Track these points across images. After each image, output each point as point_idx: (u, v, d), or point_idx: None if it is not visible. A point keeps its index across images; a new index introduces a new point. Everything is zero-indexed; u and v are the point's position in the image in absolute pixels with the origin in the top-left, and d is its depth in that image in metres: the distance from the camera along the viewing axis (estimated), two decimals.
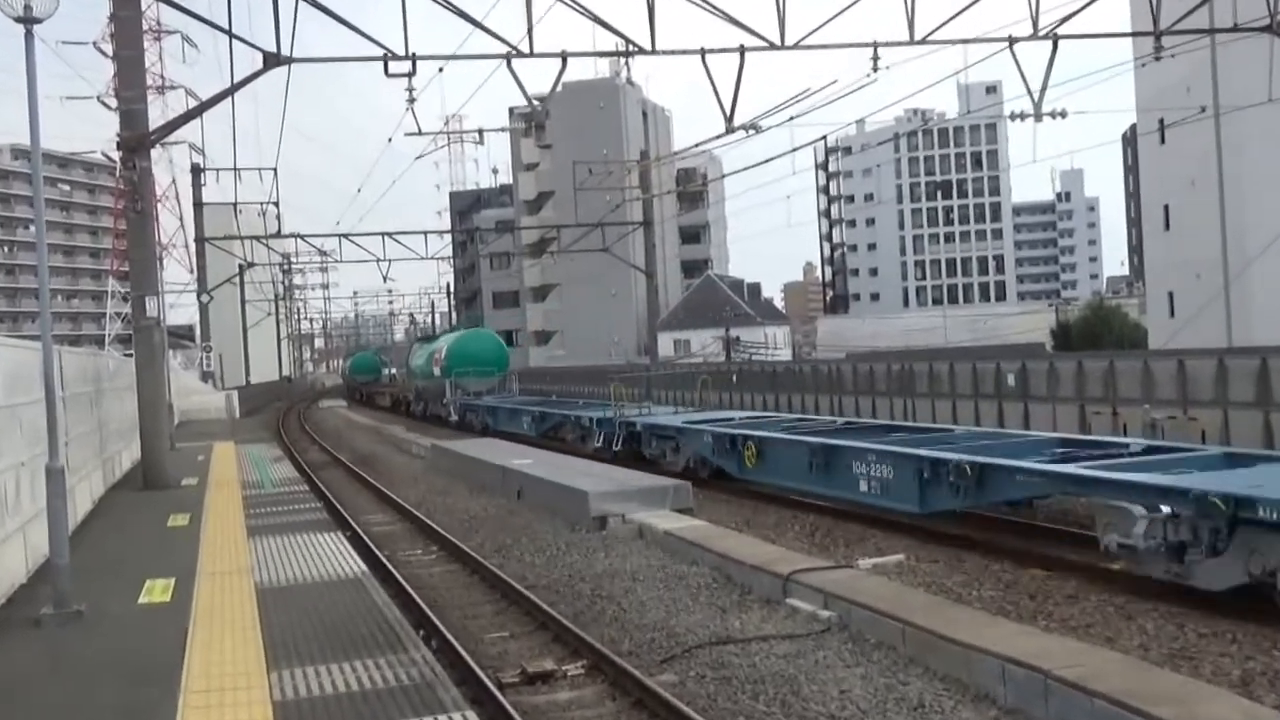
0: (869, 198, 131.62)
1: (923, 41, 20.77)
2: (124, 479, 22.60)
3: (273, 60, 19.19)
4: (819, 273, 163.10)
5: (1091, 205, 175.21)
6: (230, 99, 21.03)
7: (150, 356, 20.45)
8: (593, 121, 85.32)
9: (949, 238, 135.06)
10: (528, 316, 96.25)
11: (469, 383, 46.61)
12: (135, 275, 20.94)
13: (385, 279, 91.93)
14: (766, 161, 27.78)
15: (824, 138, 36.51)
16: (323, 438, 44.37)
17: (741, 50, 20.77)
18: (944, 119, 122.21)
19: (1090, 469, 13.13)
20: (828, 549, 15.40)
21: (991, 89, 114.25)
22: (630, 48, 20.83)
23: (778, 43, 20.50)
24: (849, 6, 20.59)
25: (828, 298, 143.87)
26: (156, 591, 11.16)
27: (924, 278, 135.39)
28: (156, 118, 35.42)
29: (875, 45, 20.80)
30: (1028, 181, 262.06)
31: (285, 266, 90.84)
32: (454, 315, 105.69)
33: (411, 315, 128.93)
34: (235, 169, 44.35)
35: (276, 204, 45.05)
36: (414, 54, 19.73)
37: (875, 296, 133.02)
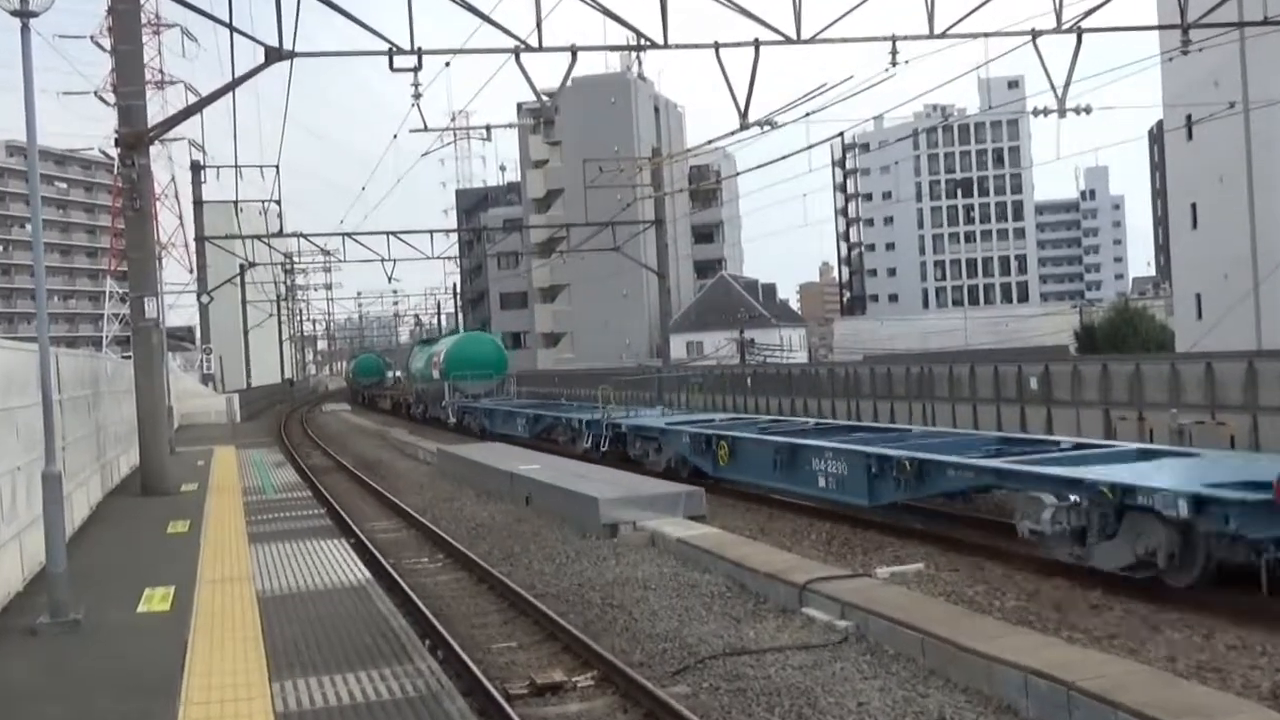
0: (887, 196, 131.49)
1: (943, 35, 20.74)
2: (122, 484, 22.67)
3: (274, 54, 19.25)
4: (836, 273, 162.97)
5: (1116, 204, 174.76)
6: (231, 94, 21.14)
7: (149, 359, 20.51)
8: (603, 117, 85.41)
9: (969, 237, 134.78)
10: (536, 318, 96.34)
11: (467, 385, 47.89)
12: (134, 275, 21.00)
13: (390, 279, 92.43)
14: (782, 159, 27.88)
15: (841, 134, 36.45)
16: (326, 442, 44.46)
17: (756, 44, 20.77)
18: (965, 115, 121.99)
19: (1009, 463, 14.72)
20: (845, 557, 15.38)
21: (1014, 84, 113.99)
22: (642, 42, 20.84)
23: (793, 36, 20.50)
24: None
25: (845, 299, 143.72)
26: (156, 600, 11.20)
27: (944, 278, 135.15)
28: (155, 114, 35.60)
29: (894, 39, 20.78)
30: (1051, 179, 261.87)
31: (287, 266, 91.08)
32: (460, 316, 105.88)
33: (417, 316, 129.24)
34: (236, 166, 44.55)
35: (278, 202, 45.16)
36: (420, 48, 19.76)
37: (894, 297, 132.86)
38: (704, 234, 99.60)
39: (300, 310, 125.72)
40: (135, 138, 19.95)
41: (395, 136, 38.01)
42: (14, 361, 12.16)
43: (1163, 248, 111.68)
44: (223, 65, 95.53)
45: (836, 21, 20.40)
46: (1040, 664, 8.75)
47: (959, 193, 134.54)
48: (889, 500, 16.78)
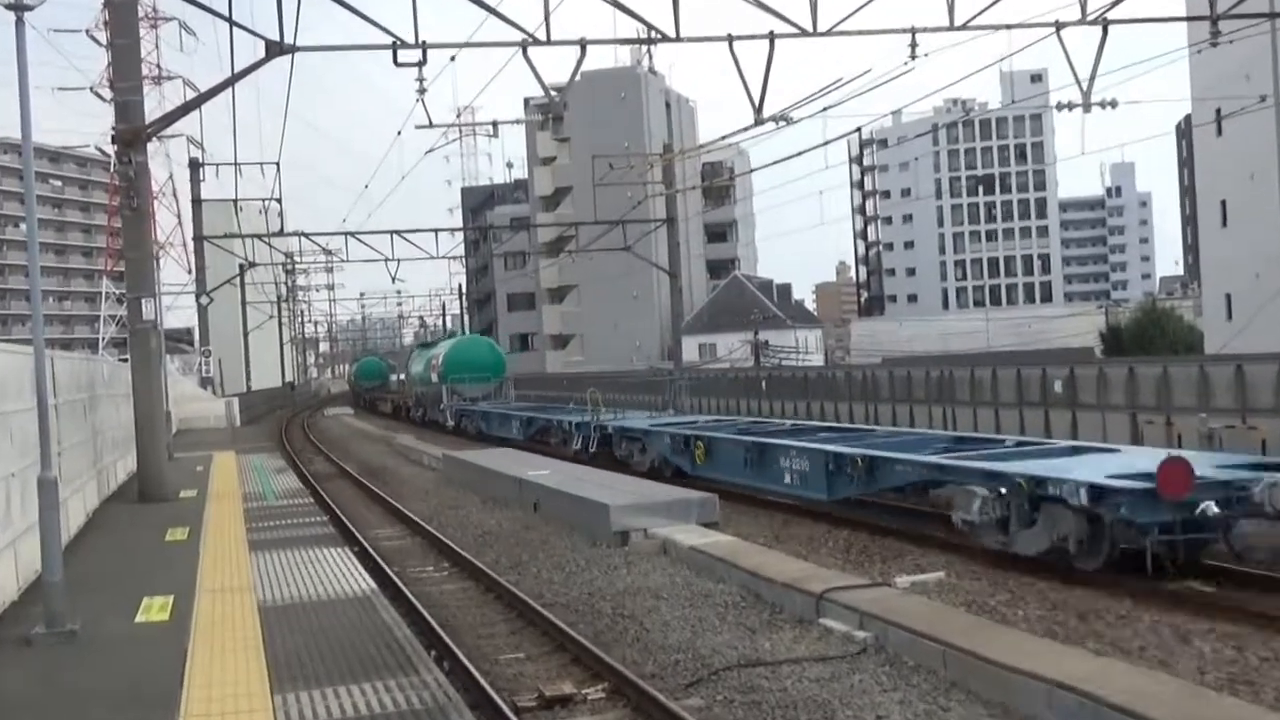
0: (906, 193, 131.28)
1: (964, 27, 20.71)
2: (119, 491, 22.74)
3: (275, 49, 19.29)
4: (853, 273, 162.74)
5: (1143, 201, 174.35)
6: (230, 90, 21.15)
7: (146, 361, 20.57)
8: (613, 113, 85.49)
9: (991, 235, 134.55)
10: (544, 319, 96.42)
11: (465, 388, 49.64)
12: (131, 276, 21.06)
13: (394, 280, 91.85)
14: (797, 155, 27.83)
15: (858, 130, 36.52)
16: (328, 447, 44.55)
17: (771, 37, 20.76)
18: (986, 109, 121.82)
19: (945, 459, 16.38)
20: (863, 566, 15.37)
21: (1037, 77, 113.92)
22: (653, 35, 20.85)
23: (809, 29, 20.49)
24: None
25: (862, 299, 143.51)
26: (154, 610, 11.23)
27: (964, 278, 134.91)
28: (153, 109, 35.68)
29: (913, 31, 20.76)
30: (1075, 176, 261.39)
31: (288, 267, 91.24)
32: (465, 318, 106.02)
33: (421, 318, 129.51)
34: (236, 164, 44.52)
35: (279, 200, 45.20)
36: (424, 42, 19.79)
37: (913, 298, 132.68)
38: (717, 233, 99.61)
39: (302, 312, 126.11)
40: (132, 134, 19.99)
41: (399, 133, 38.22)
42: (8, 365, 12.20)
43: (1191, 246, 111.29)
44: (222, 60, 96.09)
45: (854, 13, 20.39)
46: (1065, 676, 8.73)
47: (980, 190, 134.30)
48: (845, 495, 18.43)
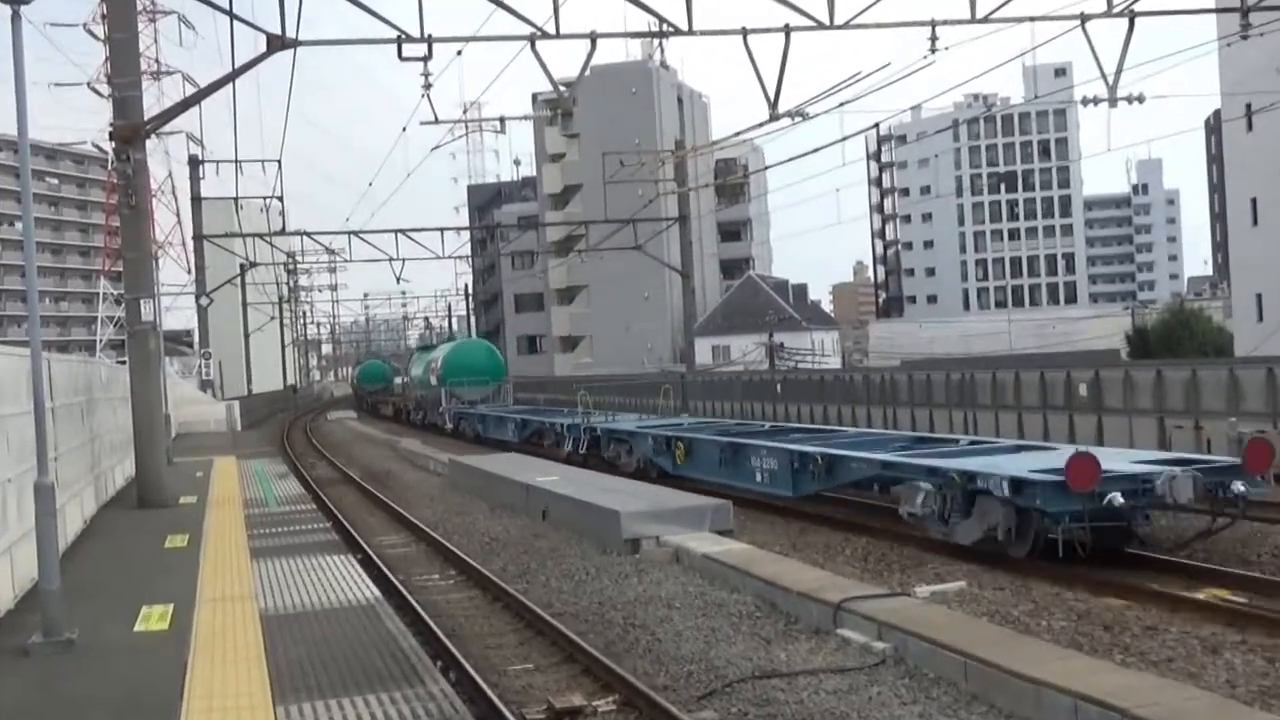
0: (925, 191, 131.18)
1: (985, 20, 20.70)
2: (118, 496, 22.82)
3: (277, 43, 19.35)
4: (871, 273, 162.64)
5: (1171, 198, 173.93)
6: (231, 85, 21.24)
7: (145, 364, 20.64)
8: (624, 108, 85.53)
9: (1014, 234, 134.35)
10: (553, 321, 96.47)
11: (463, 391, 51.25)
12: (129, 276, 21.14)
13: (398, 280, 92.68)
14: (814, 152, 27.67)
15: (876, 125, 36.50)
16: (331, 452, 44.64)
17: (787, 30, 20.77)
18: (1008, 104, 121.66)
19: (896, 456, 18.01)
20: (882, 575, 15.35)
21: (1061, 71, 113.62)
22: (665, 28, 20.88)
23: (826, 22, 20.50)
24: None
25: (880, 300, 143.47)
26: (153, 619, 11.26)
27: (986, 278, 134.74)
28: (152, 105, 35.84)
29: (933, 24, 20.76)
30: (1101, 173, 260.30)
31: (290, 266, 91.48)
32: (472, 319, 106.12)
33: (426, 319, 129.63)
34: (236, 161, 44.80)
35: (280, 199, 45.43)
36: (430, 35, 19.86)
37: (932, 299, 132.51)
38: (731, 231, 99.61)
39: (304, 313, 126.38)
40: (130, 131, 20.06)
41: (404, 129, 38.23)
42: (4, 367, 12.24)
43: (1220, 245, 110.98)
44: (222, 54, 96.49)
45: (872, 6, 20.42)
46: (1091, 689, 8.70)
47: (1002, 187, 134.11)
48: (808, 491, 19.98)
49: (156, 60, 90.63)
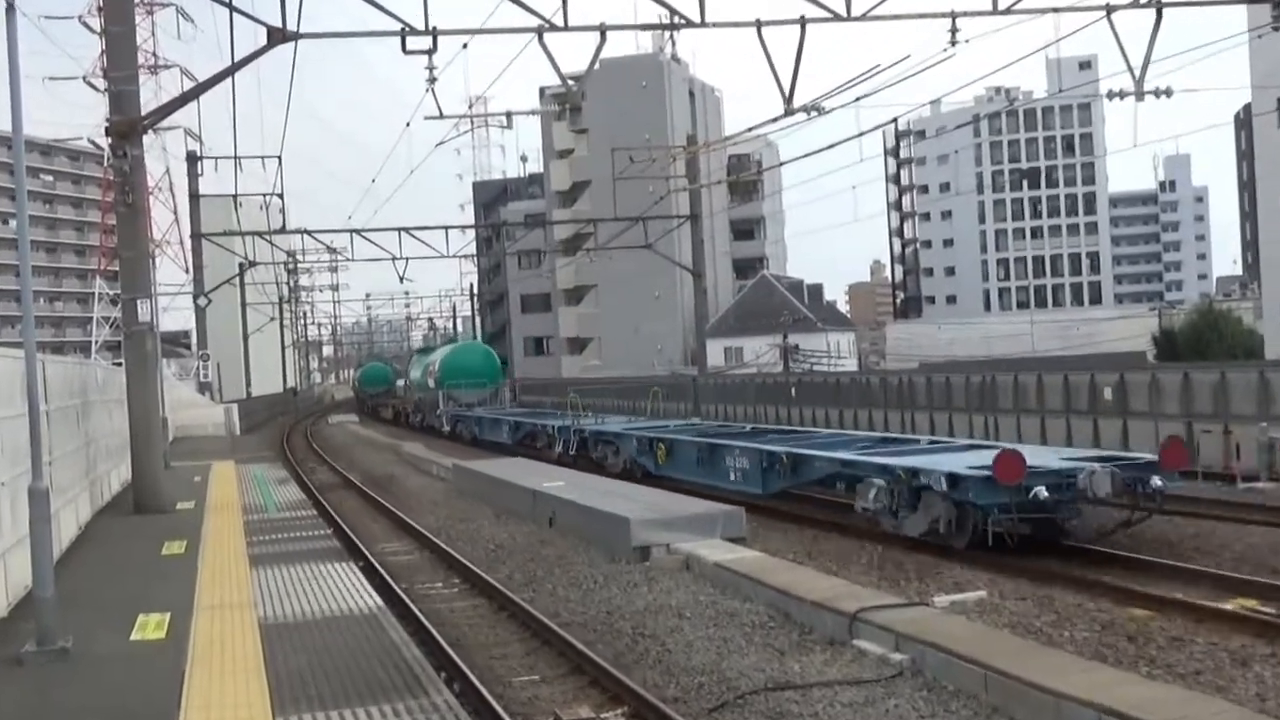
0: (945, 188, 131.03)
1: (1008, 11, 20.69)
2: (113, 502, 22.89)
3: (277, 36, 19.41)
4: (888, 272, 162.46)
5: (1199, 196, 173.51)
6: (230, 79, 21.30)
7: (142, 366, 20.70)
8: (634, 103, 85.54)
9: (1036, 232, 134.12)
10: (560, 322, 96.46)
11: (461, 394, 52.78)
12: (125, 276, 21.20)
13: (402, 279, 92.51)
14: (830, 147, 27.70)
15: (895, 120, 36.38)
16: (332, 457, 44.73)
17: (802, 22, 20.78)
18: (1031, 98, 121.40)
19: (853, 455, 19.47)
20: (899, 583, 15.34)
21: (1086, 64, 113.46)
22: (676, 20, 20.90)
23: (843, 13, 20.51)
24: None
25: (898, 300, 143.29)
26: (150, 627, 11.29)
27: (1008, 278, 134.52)
28: (149, 100, 35.87)
29: (954, 15, 20.74)
30: (1127, 169, 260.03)
31: (290, 266, 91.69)
32: (477, 320, 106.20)
33: (430, 320, 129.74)
34: (235, 157, 44.94)
35: (281, 196, 45.46)
36: (435, 28, 19.90)
37: (952, 299, 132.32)
38: (744, 230, 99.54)
39: (304, 313, 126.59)
40: (127, 126, 20.14)
41: (408, 124, 38.30)
42: None
43: (1250, 244, 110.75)
44: (221, 48, 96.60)
45: None
46: (1116, 702, 8.69)
47: (1025, 184, 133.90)
48: (776, 488, 21.43)
49: (154, 54, 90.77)
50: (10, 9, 10.51)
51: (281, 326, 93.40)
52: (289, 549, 16.36)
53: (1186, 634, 12.08)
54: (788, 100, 21.95)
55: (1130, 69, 21.36)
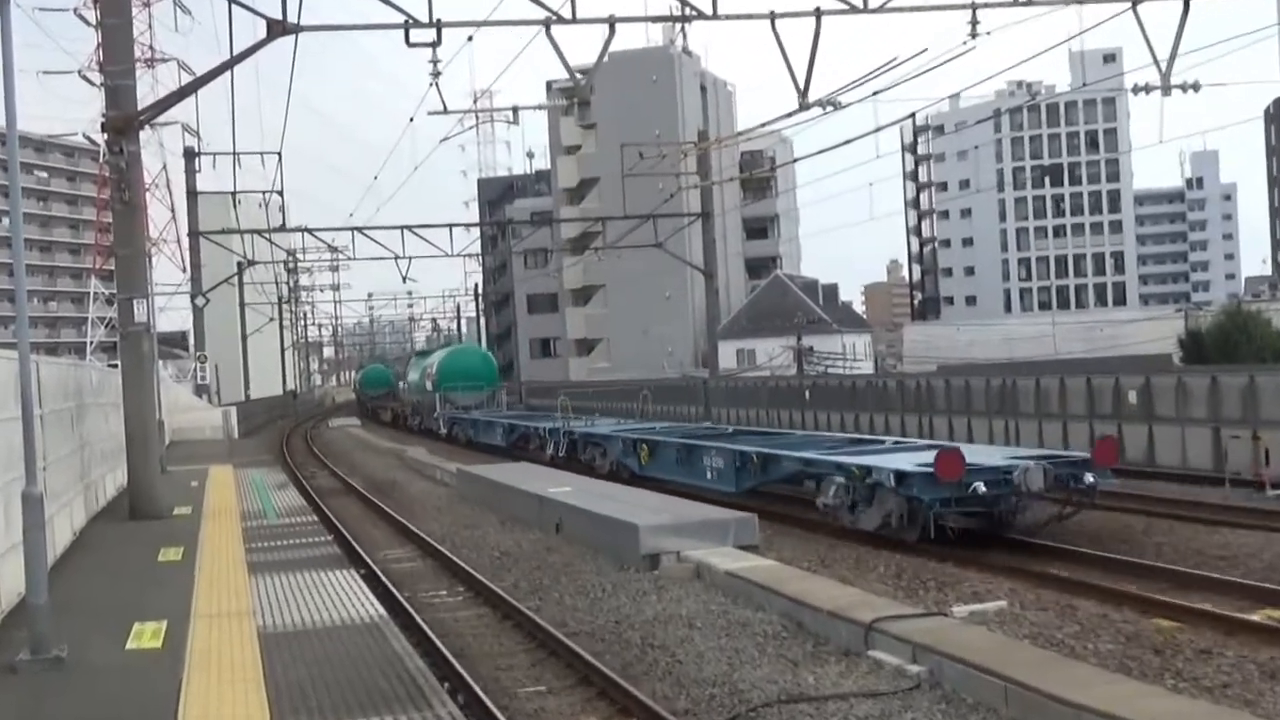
0: (965, 185, 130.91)
1: (1029, 2, 20.67)
2: (109, 507, 22.93)
3: (277, 28, 19.45)
4: (905, 272, 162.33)
5: (1227, 193, 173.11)
6: (229, 73, 21.35)
7: (138, 367, 20.75)
8: (644, 97, 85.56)
9: (1059, 231, 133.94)
10: (567, 323, 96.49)
11: (458, 397, 54.30)
12: (121, 275, 21.26)
13: (405, 279, 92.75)
14: (846, 143, 27.69)
15: (913, 115, 36.33)
16: (333, 461, 44.79)
17: (818, 14, 20.78)
18: (1054, 93, 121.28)
19: (816, 454, 21.16)
20: (916, 593, 15.33)
21: (1110, 57, 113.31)
22: (688, 12, 20.91)
23: (860, 5, 20.50)
24: None
25: (916, 301, 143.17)
26: (146, 636, 11.32)
27: (1029, 278, 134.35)
28: (146, 95, 36.00)
29: (974, 7, 20.74)
30: (1152, 166, 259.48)
31: (290, 265, 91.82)
32: (482, 320, 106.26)
33: (434, 320, 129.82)
34: (234, 153, 44.96)
35: (281, 193, 45.65)
36: (439, 20, 19.94)
37: (971, 300, 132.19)
38: (757, 228, 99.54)
39: (305, 314, 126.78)
40: (124, 121, 20.18)
41: (411, 120, 38.31)
42: None
43: None
44: (220, 41, 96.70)
45: None
46: (1140, 716, 8.68)
47: (1047, 181, 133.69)
48: (747, 486, 22.99)
49: (151, 47, 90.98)
50: (4, 1, 10.54)
51: (281, 327, 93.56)
52: (289, 556, 16.40)
53: (1215, 646, 12.05)
54: (802, 95, 21.95)
55: (1156, 62, 21.33)
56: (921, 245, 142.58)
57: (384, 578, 17.59)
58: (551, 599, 16.07)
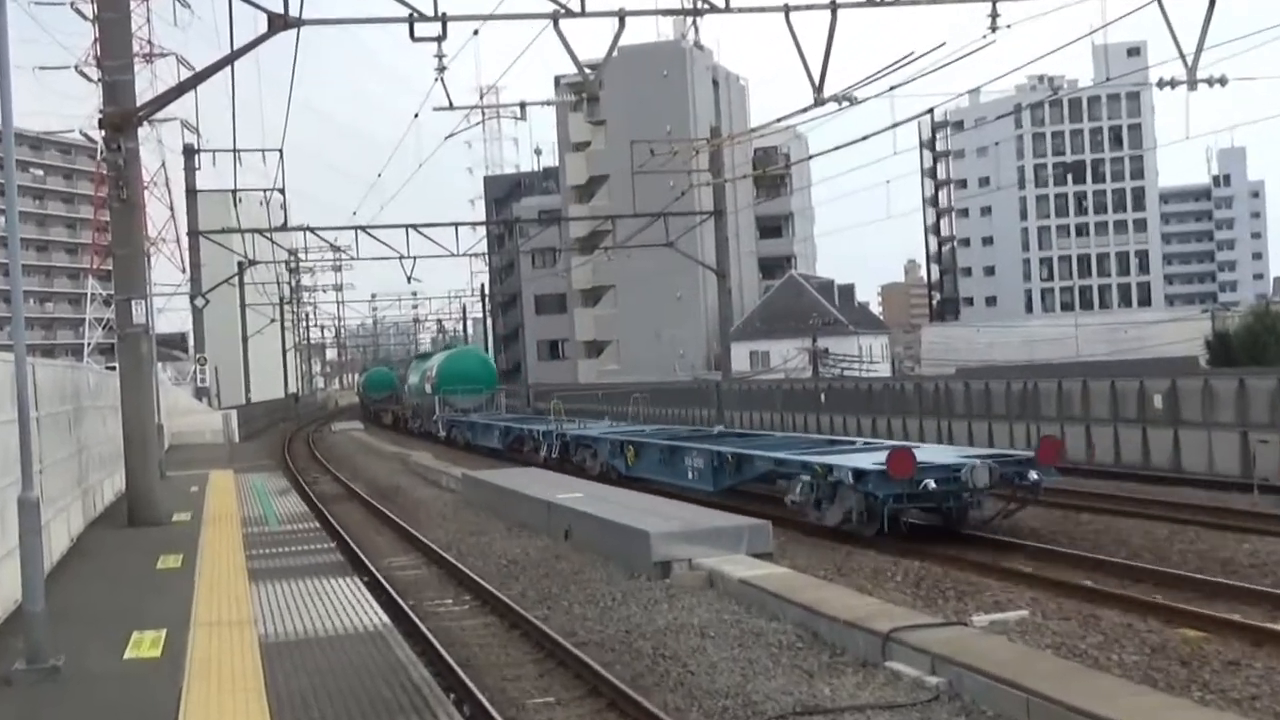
0: (985, 182, 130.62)
1: None
2: (107, 513, 22.99)
3: (278, 23, 19.48)
4: (924, 272, 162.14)
5: (1256, 191, 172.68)
6: (229, 68, 21.39)
7: (136, 369, 20.79)
8: (654, 93, 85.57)
9: (1082, 230, 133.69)
10: (576, 324, 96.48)
11: (457, 400, 55.86)
12: (119, 275, 21.31)
13: (409, 279, 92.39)
14: (862, 139, 27.63)
15: (931, 111, 36.25)
16: (335, 466, 44.86)
17: (833, 6, 20.77)
18: (1076, 87, 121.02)
19: (785, 454, 22.61)
20: (935, 602, 15.32)
21: (1134, 51, 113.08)
22: (700, 5, 20.91)
23: None
24: None
25: (934, 302, 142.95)
26: (145, 645, 11.35)
27: (1051, 278, 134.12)
28: (144, 90, 36.15)
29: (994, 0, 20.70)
30: (1178, 163, 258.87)
31: (292, 265, 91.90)
32: (488, 321, 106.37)
33: (439, 322, 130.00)
34: (234, 150, 44.94)
35: (282, 191, 45.65)
36: (444, 14, 19.94)
37: (991, 301, 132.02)
38: (770, 227, 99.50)
39: (307, 315, 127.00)
40: (122, 118, 20.23)
41: (416, 116, 38.28)
42: None
43: None
44: (220, 36, 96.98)
45: None
46: None
47: (1069, 178, 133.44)
48: (724, 485, 24.61)
49: (149, 42, 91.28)
50: None
51: (283, 329, 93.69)
52: (290, 563, 16.43)
53: (1243, 657, 12.02)
54: (818, 90, 21.95)
55: (1182, 56, 21.29)
56: (940, 244, 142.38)
57: (388, 586, 17.61)
58: (560, 608, 16.08)
